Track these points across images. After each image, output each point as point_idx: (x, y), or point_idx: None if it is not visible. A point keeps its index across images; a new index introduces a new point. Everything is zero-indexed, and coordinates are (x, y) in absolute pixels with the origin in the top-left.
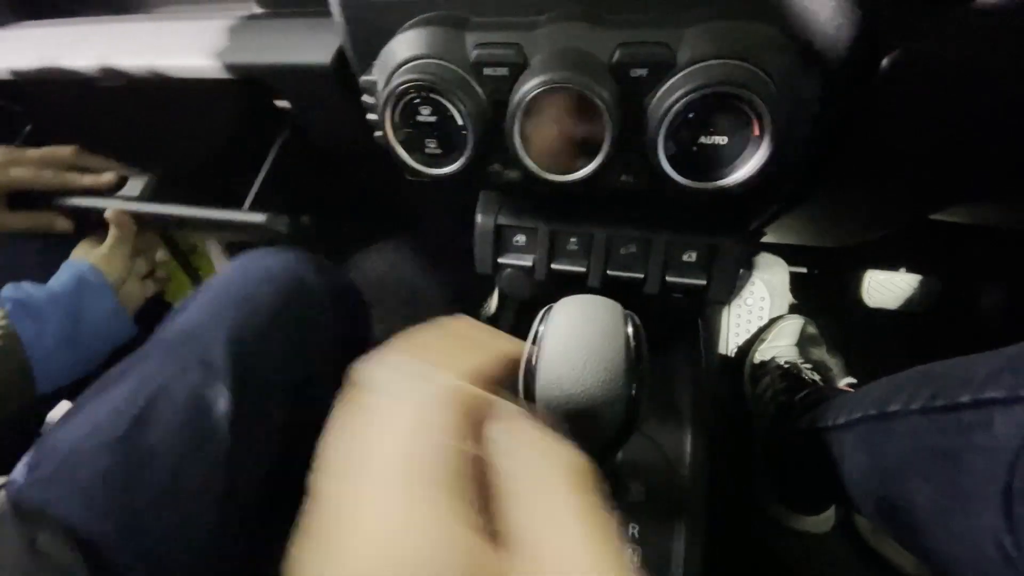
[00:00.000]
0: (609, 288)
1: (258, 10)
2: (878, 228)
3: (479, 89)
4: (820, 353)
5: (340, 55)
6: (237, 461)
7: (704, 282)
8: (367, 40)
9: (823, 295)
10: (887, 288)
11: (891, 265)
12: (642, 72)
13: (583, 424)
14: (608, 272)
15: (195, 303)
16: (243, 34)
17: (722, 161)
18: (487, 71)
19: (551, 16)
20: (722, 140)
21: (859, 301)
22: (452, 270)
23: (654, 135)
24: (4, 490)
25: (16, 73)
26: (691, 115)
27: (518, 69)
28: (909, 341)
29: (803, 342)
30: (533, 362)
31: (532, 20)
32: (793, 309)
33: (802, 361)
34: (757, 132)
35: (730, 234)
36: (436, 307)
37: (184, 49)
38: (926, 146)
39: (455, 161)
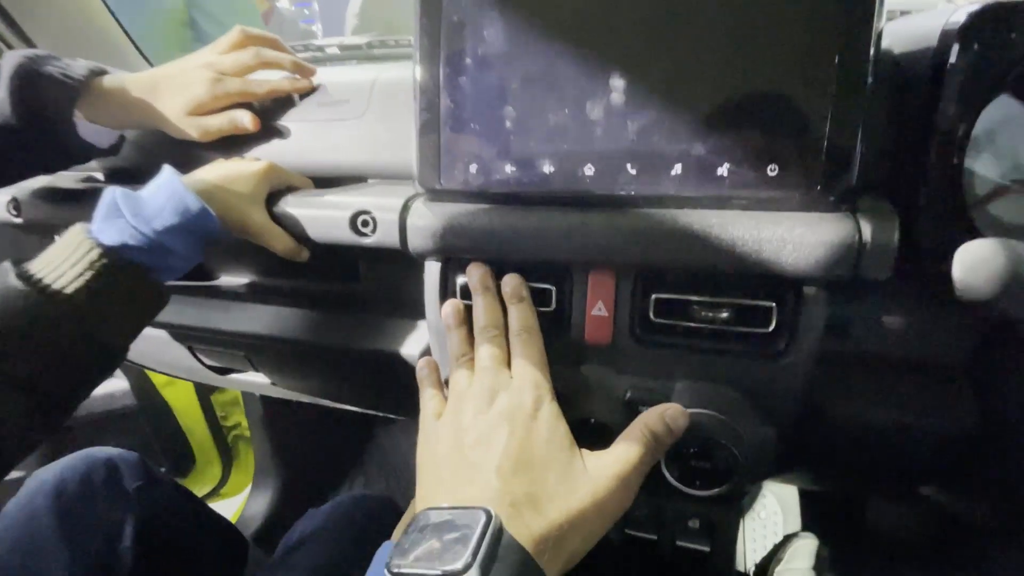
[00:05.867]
0: (626, 546)
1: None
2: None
3: None
4: None
5: (427, 350)
6: None
7: (708, 548)
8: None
9: (833, 514)
10: (891, 513)
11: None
12: (644, 409)
13: None
14: (626, 530)
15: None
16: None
17: (709, 479)
18: None
19: (580, 361)
20: (706, 464)
21: (866, 526)
22: None
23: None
24: None
25: None
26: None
27: (559, 395)
28: (913, 568)
29: (820, 566)
30: None
31: (569, 361)
32: (806, 525)
33: None
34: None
35: (723, 505)
36: None
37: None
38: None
39: None
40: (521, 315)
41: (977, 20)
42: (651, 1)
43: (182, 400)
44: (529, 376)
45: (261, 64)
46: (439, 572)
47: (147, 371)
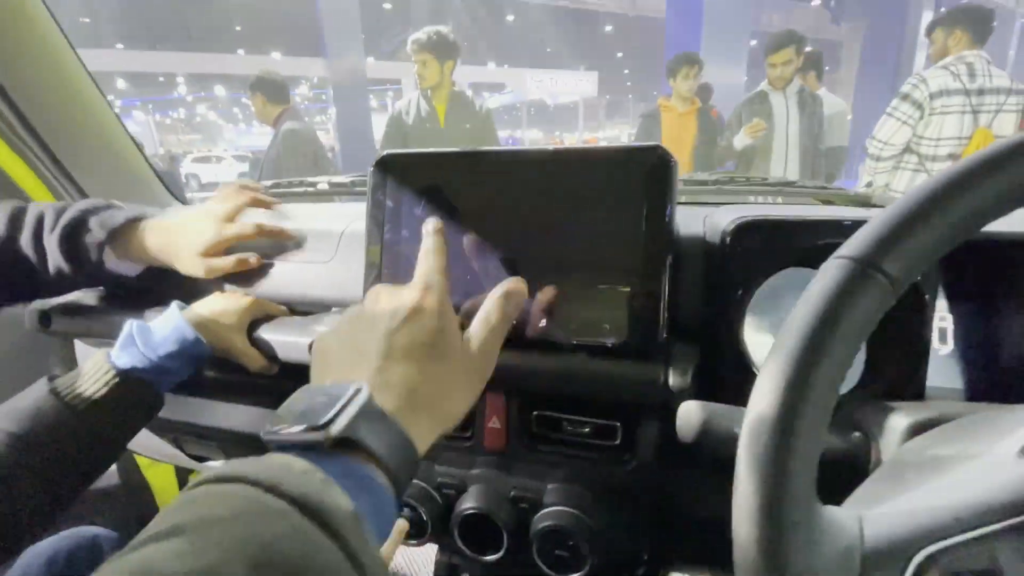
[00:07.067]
0: None
1: None
2: None
3: (438, 498)
4: None
5: None
6: None
7: None
8: None
9: None
10: None
11: None
12: (524, 505)
13: None
14: None
15: None
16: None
17: (570, 566)
18: (444, 489)
19: (479, 463)
20: (566, 553)
21: None
22: None
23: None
24: None
25: None
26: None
27: (461, 490)
28: None
29: None
30: None
31: (471, 462)
32: None
33: None
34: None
35: None
36: None
37: None
38: None
39: (420, 536)
40: (430, 241)
41: (737, 230)
42: (522, 212)
43: (163, 480)
44: (421, 277)
45: (249, 204)
46: (303, 427)
47: (135, 454)
